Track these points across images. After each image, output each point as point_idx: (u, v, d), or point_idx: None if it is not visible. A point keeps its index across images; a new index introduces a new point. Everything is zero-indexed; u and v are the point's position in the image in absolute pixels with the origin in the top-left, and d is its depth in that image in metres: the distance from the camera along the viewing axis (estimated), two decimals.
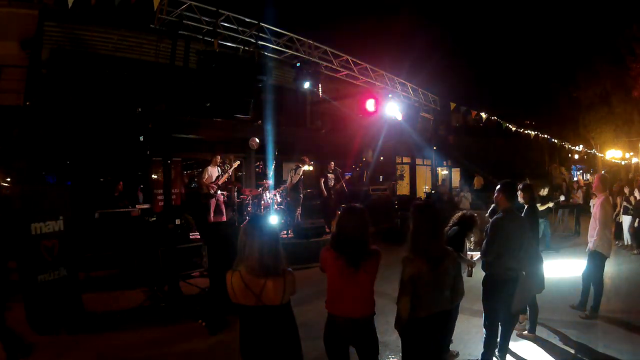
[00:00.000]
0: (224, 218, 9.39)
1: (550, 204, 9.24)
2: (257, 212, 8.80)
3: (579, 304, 5.08)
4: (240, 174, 11.97)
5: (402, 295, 2.54)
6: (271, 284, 2.10)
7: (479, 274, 3.75)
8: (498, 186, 3.72)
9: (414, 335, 2.59)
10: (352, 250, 2.41)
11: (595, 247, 4.87)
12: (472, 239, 4.16)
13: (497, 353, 3.71)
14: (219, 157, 9.16)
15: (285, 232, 8.75)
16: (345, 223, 2.50)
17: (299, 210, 9.86)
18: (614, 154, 27.62)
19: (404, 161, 18.61)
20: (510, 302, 3.60)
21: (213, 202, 8.92)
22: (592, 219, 5.07)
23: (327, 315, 2.57)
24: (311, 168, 11.33)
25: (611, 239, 5.13)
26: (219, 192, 9.06)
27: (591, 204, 10.97)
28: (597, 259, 4.90)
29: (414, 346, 2.62)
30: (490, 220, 3.71)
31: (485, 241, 3.63)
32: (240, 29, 8.99)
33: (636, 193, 8.92)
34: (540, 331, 4.41)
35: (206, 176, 8.83)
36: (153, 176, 10.47)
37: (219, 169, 9.02)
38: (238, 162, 9.86)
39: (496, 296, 3.53)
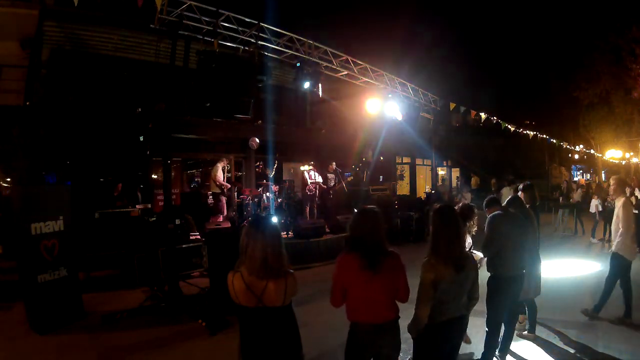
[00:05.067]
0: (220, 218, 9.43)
1: None
2: (260, 213, 8.82)
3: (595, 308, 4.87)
4: (240, 174, 11.98)
5: (422, 301, 2.45)
6: (273, 285, 2.08)
7: (483, 274, 3.76)
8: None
9: (429, 341, 2.52)
10: (367, 251, 2.37)
11: (617, 249, 4.72)
12: (472, 230, 4.13)
13: (497, 353, 3.71)
14: (225, 160, 9.38)
15: (285, 232, 8.76)
16: (358, 225, 2.46)
17: (309, 207, 10.04)
18: (613, 154, 27.62)
19: (404, 161, 18.61)
20: (516, 300, 3.69)
21: (222, 198, 9.07)
22: (614, 220, 4.90)
23: (349, 325, 2.49)
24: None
25: (632, 242, 4.74)
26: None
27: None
28: (615, 261, 4.75)
29: (429, 352, 2.56)
30: (488, 215, 3.79)
31: (484, 238, 3.66)
32: (240, 29, 9.00)
33: (637, 193, 8.91)
34: (540, 331, 4.41)
35: (219, 175, 8.98)
36: (153, 176, 10.48)
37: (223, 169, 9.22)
38: (226, 162, 9.86)
39: (501, 296, 3.54)
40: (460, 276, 2.46)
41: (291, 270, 2.18)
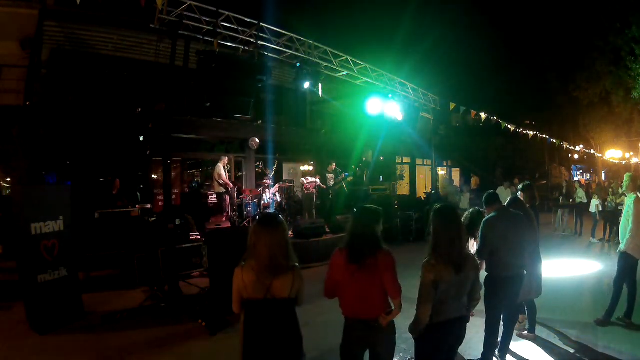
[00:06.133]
0: (224, 217, 9.45)
1: None
2: (267, 211, 8.84)
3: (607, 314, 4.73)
4: (240, 174, 11.98)
5: (423, 302, 2.47)
6: (280, 279, 2.15)
7: (484, 273, 3.75)
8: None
9: (429, 341, 2.55)
10: (354, 246, 2.44)
11: (626, 248, 4.57)
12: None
13: (497, 353, 3.71)
14: (226, 158, 9.37)
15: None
16: (352, 222, 2.56)
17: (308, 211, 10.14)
18: (613, 154, 27.61)
19: (404, 161, 18.59)
20: (515, 300, 3.66)
21: (227, 197, 9.09)
22: (623, 219, 4.75)
23: (344, 320, 2.53)
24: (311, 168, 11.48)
25: None
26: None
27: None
28: (623, 261, 4.63)
29: (428, 351, 2.59)
30: (486, 213, 3.80)
31: (479, 242, 3.66)
32: (240, 29, 8.99)
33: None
34: (540, 331, 4.41)
35: (223, 174, 9.00)
36: (153, 176, 10.48)
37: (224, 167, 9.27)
38: (226, 160, 9.84)
39: (498, 296, 3.53)
40: (460, 277, 2.47)
41: (297, 264, 2.24)
